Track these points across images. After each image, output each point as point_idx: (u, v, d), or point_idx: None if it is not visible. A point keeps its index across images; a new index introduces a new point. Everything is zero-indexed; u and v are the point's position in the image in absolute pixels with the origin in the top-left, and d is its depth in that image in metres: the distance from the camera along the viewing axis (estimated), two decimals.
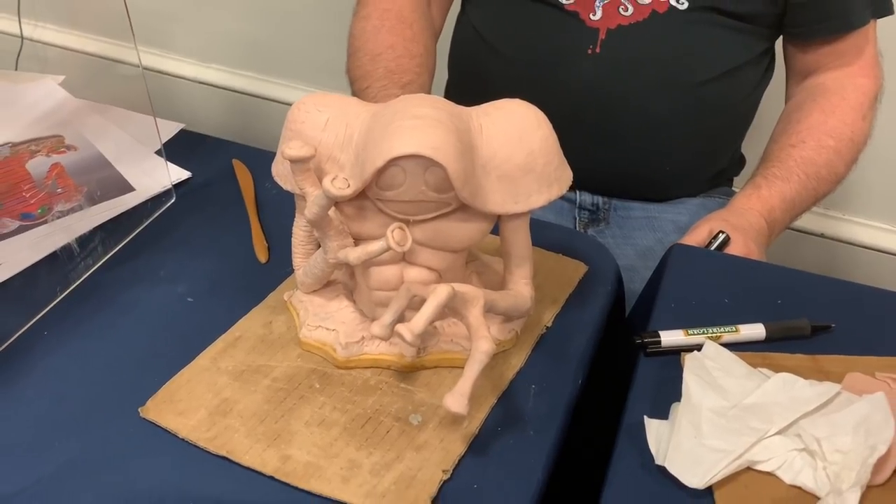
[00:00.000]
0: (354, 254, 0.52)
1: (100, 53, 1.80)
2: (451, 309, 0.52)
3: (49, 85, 0.87)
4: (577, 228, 1.01)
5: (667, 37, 0.92)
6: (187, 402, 0.56)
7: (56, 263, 0.66)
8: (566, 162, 0.59)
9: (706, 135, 0.98)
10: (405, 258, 0.56)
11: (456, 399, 0.49)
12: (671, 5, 0.91)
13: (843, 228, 1.62)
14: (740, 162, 1.11)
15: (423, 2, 1.01)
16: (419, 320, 0.48)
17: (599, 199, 1.01)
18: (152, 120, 0.77)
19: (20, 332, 0.61)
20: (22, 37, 2.07)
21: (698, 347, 0.59)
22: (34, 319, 0.62)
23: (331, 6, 1.60)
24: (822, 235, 1.64)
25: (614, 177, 0.99)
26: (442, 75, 1.08)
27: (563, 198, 0.97)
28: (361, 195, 0.53)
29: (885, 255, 1.60)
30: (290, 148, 0.51)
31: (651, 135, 0.95)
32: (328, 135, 0.54)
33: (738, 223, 0.87)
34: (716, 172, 1.05)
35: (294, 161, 0.51)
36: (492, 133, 0.54)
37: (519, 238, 0.57)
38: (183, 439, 0.53)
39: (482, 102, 0.59)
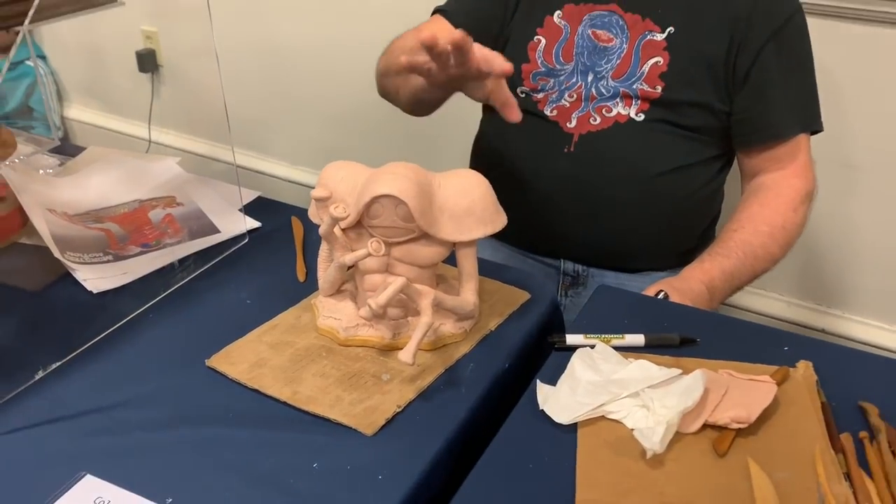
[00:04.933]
0: (349, 257, 0.79)
1: (207, 154, 2.20)
2: (409, 296, 0.78)
3: (169, 162, 1.21)
4: (560, 290, 1.26)
5: (626, 141, 1.18)
6: (237, 358, 0.83)
7: (162, 274, 0.97)
8: (501, 210, 0.85)
9: (664, 219, 1.22)
10: (387, 270, 0.83)
11: (405, 353, 0.75)
12: (630, 117, 1.19)
13: (842, 325, 1.79)
14: None
15: None
16: (383, 296, 0.75)
17: (579, 268, 1.26)
18: (237, 188, 1.10)
19: (135, 314, 0.91)
20: (150, 140, 2.54)
21: (592, 347, 0.83)
22: (145, 307, 0.92)
23: (393, 120, 1.95)
24: (822, 331, 1.81)
25: (591, 250, 1.24)
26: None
27: (549, 264, 1.24)
28: (358, 224, 0.81)
29: (880, 351, 1.74)
30: (315, 191, 0.80)
31: (617, 217, 1.21)
32: (342, 185, 0.83)
33: (679, 286, 1.11)
34: (684, 251, 1.27)
35: (317, 199, 0.81)
36: (447, 187, 0.82)
37: (467, 261, 0.84)
38: (231, 379, 0.81)
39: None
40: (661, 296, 1.07)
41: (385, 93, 1.28)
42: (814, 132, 1.23)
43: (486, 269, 0.97)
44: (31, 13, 0.68)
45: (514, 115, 0.95)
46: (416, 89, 1.14)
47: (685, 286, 1.11)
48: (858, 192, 1.62)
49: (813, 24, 1.45)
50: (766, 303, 1.82)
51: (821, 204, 1.63)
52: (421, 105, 1.22)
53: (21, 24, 0.69)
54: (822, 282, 1.76)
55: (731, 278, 1.15)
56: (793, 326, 1.81)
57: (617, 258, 1.25)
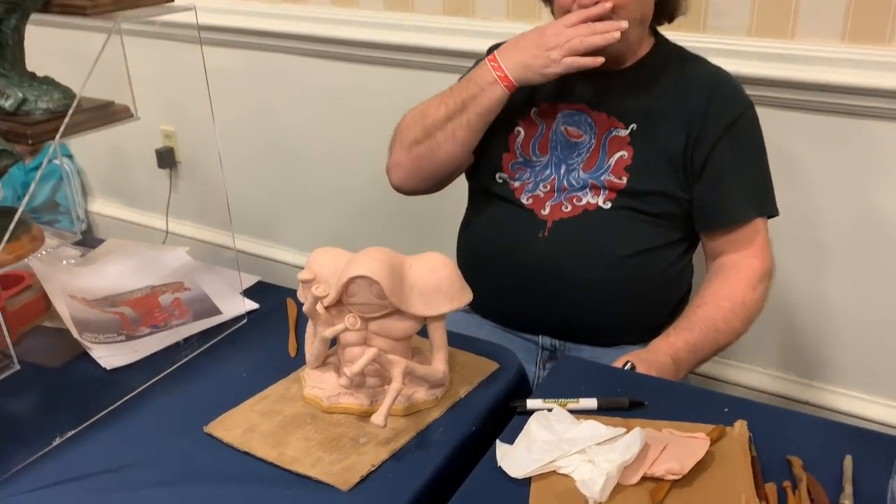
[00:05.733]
0: (329, 331, 0.90)
1: (219, 242, 2.34)
2: (382, 365, 0.89)
3: (179, 252, 1.34)
4: (539, 363, 1.36)
5: (595, 226, 1.29)
6: (231, 424, 0.93)
7: (169, 352, 1.08)
8: (467, 287, 0.96)
9: (633, 297, 1.32)
10: (365, 343, 0.94)
11: (377, 416, 0.85)
12: (599, 206, 1.30)
13: (826, 397, 1.85)
14: None
15: None
16: (357, 365, 0.86)
17: (556, 342, 1.35)
18: (237, 273, 1.22)
19: (143, 387, 1.01)
20: (167, 231, 2.69)
21: (550, 410, 0.92)
22: (152, 381, 1.03)
23: (394, 210, 2.09)
24: (806, 403, 1.87)
25: (566, 326, 1.34)
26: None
27: (528, 339, 1.34)
28: (339, 303, 0.92)
29: (860, 421, 1.80)
30: (301, 274, 0.92)
31: (589, 296, 1.30)
32: (325, 269, 0.94)
33: (646, 358, 1.20)
34: (654, 326, 1.35)
35: (303, 281, 0.92)
36: (416, 268, 0.93)
37: (436, 333, 0.95)
38: (226, 443, 0.90)
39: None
40: (627, 367, 1.16)
41: (423, 155, 1.35)
42: (770, 216, 1.34)
43: (460, 341, 1.07)
44: (60, 130, 0.82)
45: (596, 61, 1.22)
46: (486, 111, 1.30)
47: (652, 358, 1.20)
48: (830, 270, 1.71)
49: (779, 115, 1.60)
50: (750, 376, 1.89)
51: (796, 280, 1.74)
52: (474, 137, 1.33)
53: (52, 139, 0.82)
54: (803, 355, 1.83)
55: (695, 350, 1.24)
56: (777, 399, 1.88)
57: (591, 334, 1.34)
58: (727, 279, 1.30)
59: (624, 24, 1.21)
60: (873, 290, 1.67)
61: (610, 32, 1.21)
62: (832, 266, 1.70)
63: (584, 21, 1.22)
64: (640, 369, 1.16)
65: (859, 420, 1.79)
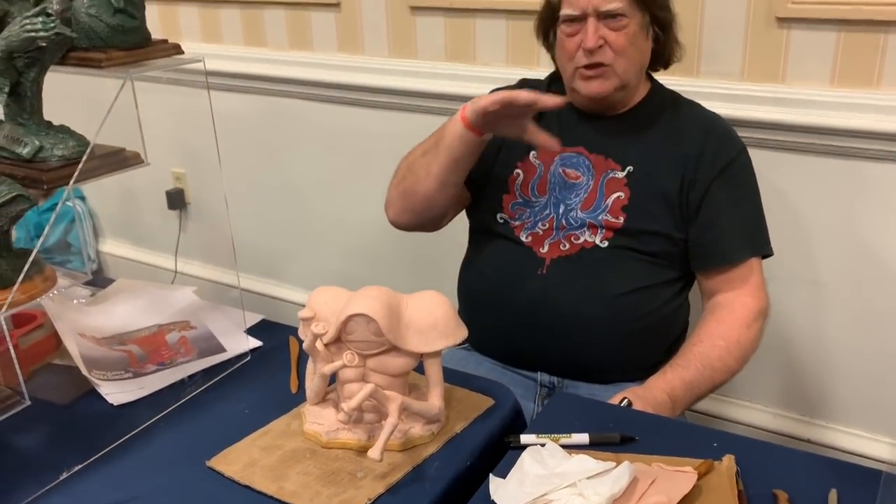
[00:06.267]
0: (327, 367, 0.93)
1: (226, 282, 2.38)
2: (379, 401, 0.91)
3: (186, 291, 1.37)
4: (537, 400, 1.38)
5: (592, 264, 1.33)
6: (233, 459, 0.96)
7: (174, 388, 1.11)
8: (462, 325, 0.99)
9: (629, 334, 1.34)
10: (363, 379, 0.97)
11: (374, 450, 0.88)
12: (596, 244, 1.34)
13: (828, 435, 1.85)
14: None
15: None
16: (354, 401, 0.89)
17: (555, 379, 1.38)
18: (242, 312, 1.25)
19: (149, 422, 1.04)
20: (175, 271, 2.73)
21: (543, 445, 0.94)
22: (157, 416, 1.06)
23: (398, 250, 2.13)
24: (808, 441, 1.87)
25: (563, 363, 1.36)
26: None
27: (527, 376, 1.36)
28: (338, 340, 0.96)
29: (862, 460, 1.80)
30: (301, 312, 0.95)
31: (586, 332, 1.33)
32: (325, 307, 0.98)
33: (642, 395, 1.22)
34: (651, 364, 1.37)
35: (303, 319, 0.95)
36: (413, 306, 0.96)
37: (432, 369, 0.98)
38: (227, 477, 0.93)
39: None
40: (624, 403, 1.18)
41: (406, 191, 1.39)
42: (765, 256, 1.37)
43: (456, 378, 1.10)
44: (74, 176, 0.86)
45: (555, 145, 1.24)
46: (452, 154, 1.30)
47: (648, 395, 1.22)
48: (828, 308, 1.73)
49: (773, 156, 1.63)
50: (750, 413, 1.90)
51: (795, 318, 1.76)
52: (451, 175, 1.33)
53: (67, 184, 0.87)
54: (804, 393, 1.84)
55: (691, 388, 1.26)
56: (779, 437, 1.88)
57: (588, 371, 1.37)
58: (722, 318, 1.32)
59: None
60: (872, 327, 1.69)
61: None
62: (830, 304, 1.72)
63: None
64: (637, 406, 1.18)
65: (861, 459, 1.79)
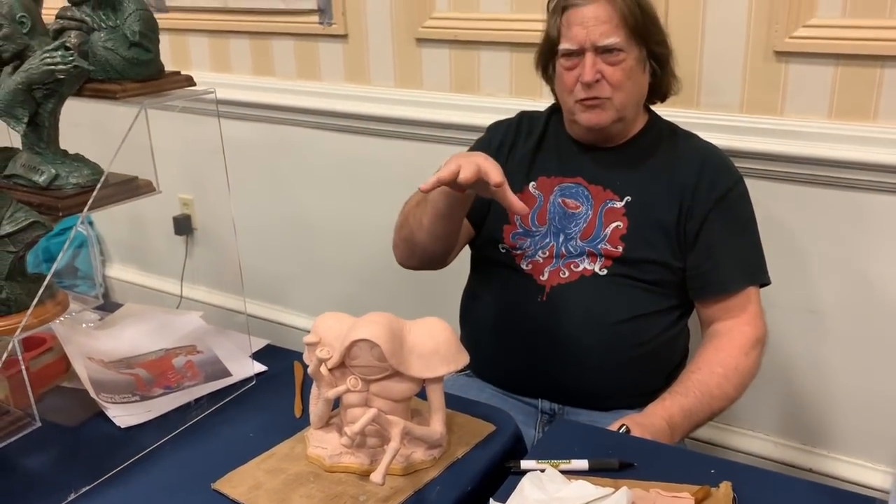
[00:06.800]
0: (331, 392, 0.95)
1: (231, 307, 2.40)
2: (381, 425, 0.93)
3: (193, 316, 1.40)
4: (538, 426, 1.39)
5: (590, 292, 1.35)
6: (238, 482, 0.98)
7: (180, 412, 1.13)
8: (464, 351, 1.01)
9: (628, 362, 1.36)
10: (366, 404, 0.98)
11: (376, 474, 0.89)
12: (595, 272, 1.36)
13: (829, 464, 1.86)
14: None
15: None
16: (357, 425, 0.90)
17: (555, 406, 1.39)
18: (247, 337, 1.28)
19: (155, 445, 1.06)
20: (181, 296, 2.76)
21: (542, 471, 0.96)
22: (164, 439, 1.08)
23: (403, 280, 2.15)
24: (810, 470, 1.87)
25: (563, 390, 1.38)
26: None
27: (528, 403, 1.38)
28: (342, 365, 0.98)
29: (863, 489, 1.80)
30: (307, 337, 0.98)
31: (585, 359, 1.35)
32: (330, 333, 1.00)
33: (641, 421, 1.23)
34: (651, 391, 1.38)
35: (308, 344, 0.98)
36: (415, 332, 0.98)
37: (434, 395, 0.99)
38: (232, 499, 0.95)
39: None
40: (622, 430, 1.19)
41: (406, 238, 1.41)
42: (763, 285, 1.39)
43: (458, 404, 1.11)
44: (88, 204, 0.89)
45: (523, 209, 1.15)
46: (436, 209, 1.28)
47: (647, 422, 1.23)
48: (828, 337, 1.74)
49: (771, 187, 1.66)
50: (751, 442, 1.91)
51: (795, 347, 1.77)
52: (440, 227, 1.32)
53: (81, 212, 0.90)
54: (805, 423, 1.85)
55: (689, 415, 1.27)
56: (781, 466, 1.89)
57: (588, 398, 1.38)
58: (720, 346, 1.34)
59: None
60: (872, 356, 1.70)
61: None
62: (830, 333, 1.74)
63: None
64: (635, 432, 1.20)
65: (863, 489, 1.79)
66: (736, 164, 1.43)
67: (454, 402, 1.10)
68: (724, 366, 1.31)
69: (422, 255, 1.42)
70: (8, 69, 0.96)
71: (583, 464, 0.98)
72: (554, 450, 1.02)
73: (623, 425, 1.21)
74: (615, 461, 0.98)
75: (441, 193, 1.24)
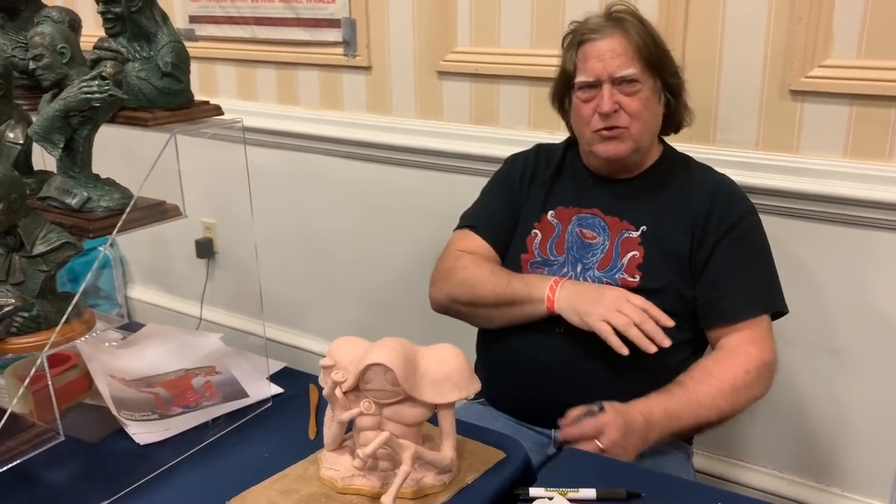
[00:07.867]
0: (345, 415, 0.97)
1: (250, 330, 2.44)
2: (393, 449, 0.95)
3: (212, 338, 1.43)
4: (549, 453, 1.40)
5: None
6: (252, 500, 1.00)
7: (198, 431, 1.16)
8: (476, 377, 1.03)
9: (642, 393, 1.36)
10: (379, 427, 1.00)
11: (386, 497, 0.91)
12: None
13: (842, 503, 1.85)
14: None
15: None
16: (369, 448, 0.92)
17: None
18: (265, 360, 1.30)
19: (173, 462, 1.09)
20: (200, 318, 2.79)
21: (550, 499, 0.97)
22: (181, 457, 1.10)
23: (418, 304, 2.17)
24: None
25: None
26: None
27: (540, 433, 1.39)
28: (356, 388, 1.00)
29: None
30: (323, 360, 1.00)
31: (599, 391, 1.36)
32: (345, 356, 1.02)
33: (620, 408, 1.25)
34: None
35: (324, 367, 1.00)
36: (429, 358, 1.00)
37: (445, 420, 1.01)
38: None
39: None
40: (597, 407, 1.22)
41: (462, 313, 1.48)
42: (778, 312, 1.39)
43: (469, 431, 1.13)
44: (117, 227, 0.93)
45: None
46: (515, 320, 1.39)
47: (624, 409, 1.25)
48: (843, 375, 1.74)
49: (787, 223, 1.67)
50: (765, 479, 1.90)
51: (810, 384, 1.77)
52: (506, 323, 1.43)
53: (110, 234, 0.93)
54: (819, 460, 1.84)
55: (670, 417, 1.28)
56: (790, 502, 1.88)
57: None
58: (721, 359, 1.34)
59: (668, 342, 1.27)
60: (888, 395, 1.69)
61: (653, 339, 1.27)
62: (846, 370, 1.74)
63: (646, 306, 1.29)
64: (609, 413, 1.22)
65: None
66: (751, 200, 1.45)
67: (465, 429, 1.11)
68: (719, 378, 1.31)
69: (465, 320, 1.49)
70: (47, 96, 1.00)
71: (591, 493, 0.99)
72: (562, 478, 1.03)
73: (600, 403, 1.22)
74: (623, 490, 0.99)
75: (535, 313, 1.36)
